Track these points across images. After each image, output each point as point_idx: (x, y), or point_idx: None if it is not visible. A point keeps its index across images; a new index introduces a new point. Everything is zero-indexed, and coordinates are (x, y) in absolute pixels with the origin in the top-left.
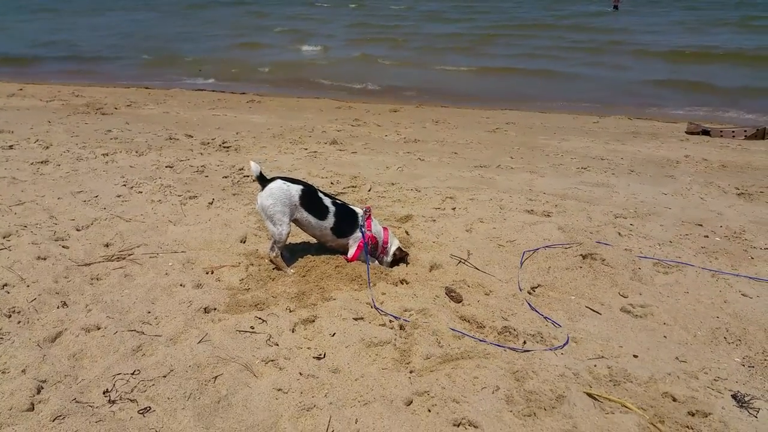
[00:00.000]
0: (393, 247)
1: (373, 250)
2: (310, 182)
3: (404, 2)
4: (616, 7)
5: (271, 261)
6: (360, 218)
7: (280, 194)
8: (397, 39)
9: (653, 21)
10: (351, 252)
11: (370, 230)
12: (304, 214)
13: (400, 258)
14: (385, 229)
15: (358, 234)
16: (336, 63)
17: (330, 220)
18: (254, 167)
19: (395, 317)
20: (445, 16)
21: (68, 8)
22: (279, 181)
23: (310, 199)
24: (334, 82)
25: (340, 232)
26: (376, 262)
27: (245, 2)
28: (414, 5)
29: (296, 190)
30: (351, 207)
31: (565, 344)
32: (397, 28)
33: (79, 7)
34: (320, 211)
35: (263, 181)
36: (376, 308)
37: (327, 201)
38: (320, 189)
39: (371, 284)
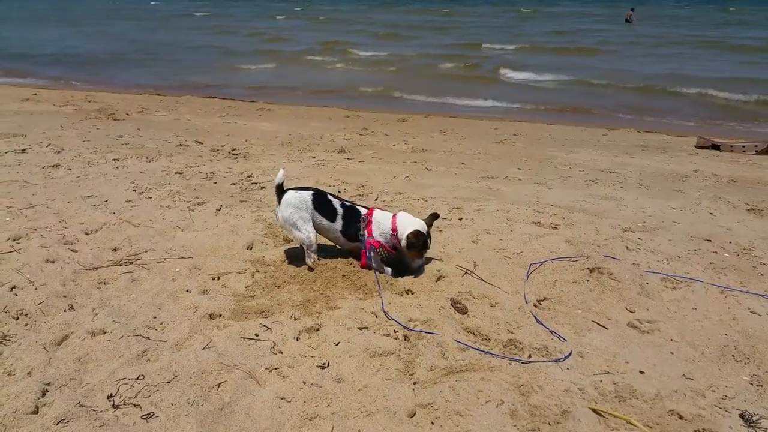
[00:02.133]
0: (405, 233)
1: (383, 255)
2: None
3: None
4: (628, 21)
5: (310, 269)
6: (362, 223)
7: (296, 201)
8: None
9: (654, 40)
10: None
11: (371, 236)
12: (317, 217)
13: (416, 243)
14: (393, 216)
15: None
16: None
17: (339, 223)
18: (280, 175)
19: (404, 326)
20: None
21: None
22: (291, 191)
23: (321, 201)
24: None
25: (348, 235)
26: (389, 270)
27: (220, 15)
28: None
29: (308, 194)
30: (359, 209)
31: (567, 356)
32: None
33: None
34: (330, 214)
35: (280, 192)
36: (385, 313)
37: (336, 203)
38: (330, 192)
39: (380, 288)
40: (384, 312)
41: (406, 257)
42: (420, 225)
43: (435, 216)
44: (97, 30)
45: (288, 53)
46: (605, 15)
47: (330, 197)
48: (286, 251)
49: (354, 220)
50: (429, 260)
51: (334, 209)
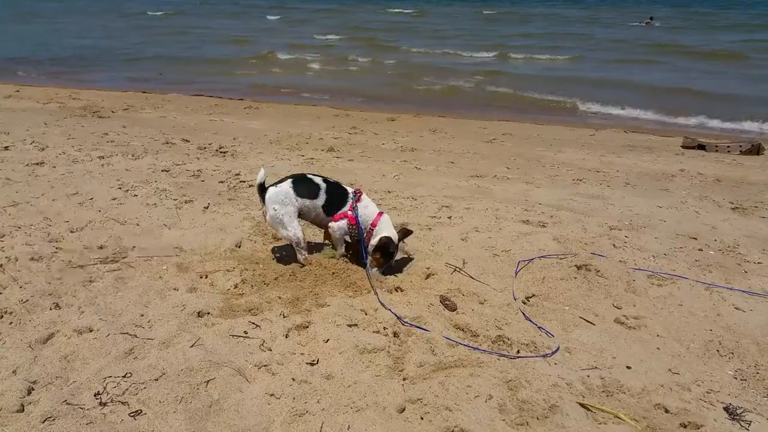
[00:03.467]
0: (380, 235)
1: (353, 231)
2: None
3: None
4: (647, 24)
5: (302, 265)
6: (350, 197)
7: (279, 197)
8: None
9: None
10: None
11: (352, 210)
12: (300, 202)
13: (384, 248)
14: (380, 213)
15: (332, 223)
16: None
17: (322, 198)
18: (261, 174)
19: (399, 317)
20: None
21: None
22: (271, 189)
23: (302, 184)
24: None
25: (330, 211)
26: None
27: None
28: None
29: (288, 184)
30: (345, 187)
31: (555, 352)
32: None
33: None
34: (313, 192)
35: (262, 191)
36: (382, 304)
37: (318, 179)
38: (312, 173)
39: (372, 279)
40: (381, 303)
41: (363, 259)
42: (395, 236)
43: (408, 232)
44: (56, 28)
45: (259, 54)
46: (577, 18)
47: (311, 176)
48: (274, 249)
49: (336, 196)
50: (418, 258)
51: (317, 185)
